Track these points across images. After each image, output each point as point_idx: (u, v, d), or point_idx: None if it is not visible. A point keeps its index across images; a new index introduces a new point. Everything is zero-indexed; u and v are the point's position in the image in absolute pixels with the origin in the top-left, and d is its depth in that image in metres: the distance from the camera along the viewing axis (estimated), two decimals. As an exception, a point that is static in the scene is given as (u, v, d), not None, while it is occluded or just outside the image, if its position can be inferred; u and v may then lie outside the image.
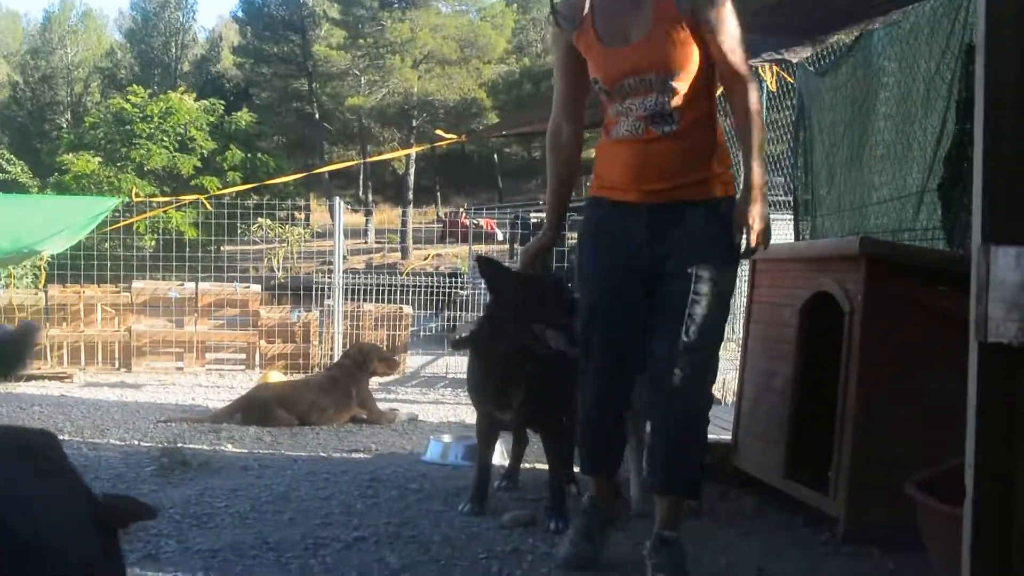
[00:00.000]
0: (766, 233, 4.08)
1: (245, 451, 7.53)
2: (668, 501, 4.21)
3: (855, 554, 4.60)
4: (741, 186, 4.19)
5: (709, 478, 4.15)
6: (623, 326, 4.26)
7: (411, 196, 49.97)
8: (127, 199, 16.43)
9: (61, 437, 5.74)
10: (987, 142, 1.54)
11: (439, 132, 17.47)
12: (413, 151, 41.54)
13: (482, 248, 26.90)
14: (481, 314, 9.16)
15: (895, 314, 4.66)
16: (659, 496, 4.27)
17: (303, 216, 31.70)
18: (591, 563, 4.37)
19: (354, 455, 7.51)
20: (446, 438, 7.39)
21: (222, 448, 7.60)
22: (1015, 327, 1.46)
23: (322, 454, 7.54)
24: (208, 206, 15.20)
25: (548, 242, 4.67)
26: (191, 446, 7.43)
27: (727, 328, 4.62)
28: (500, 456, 6.50)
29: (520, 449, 6.14)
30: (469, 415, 9.65)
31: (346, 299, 14.44)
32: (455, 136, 19.24)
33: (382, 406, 9.57)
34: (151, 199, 21.72)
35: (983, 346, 1.54)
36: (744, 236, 4.09)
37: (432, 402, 11.01)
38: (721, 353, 4.31)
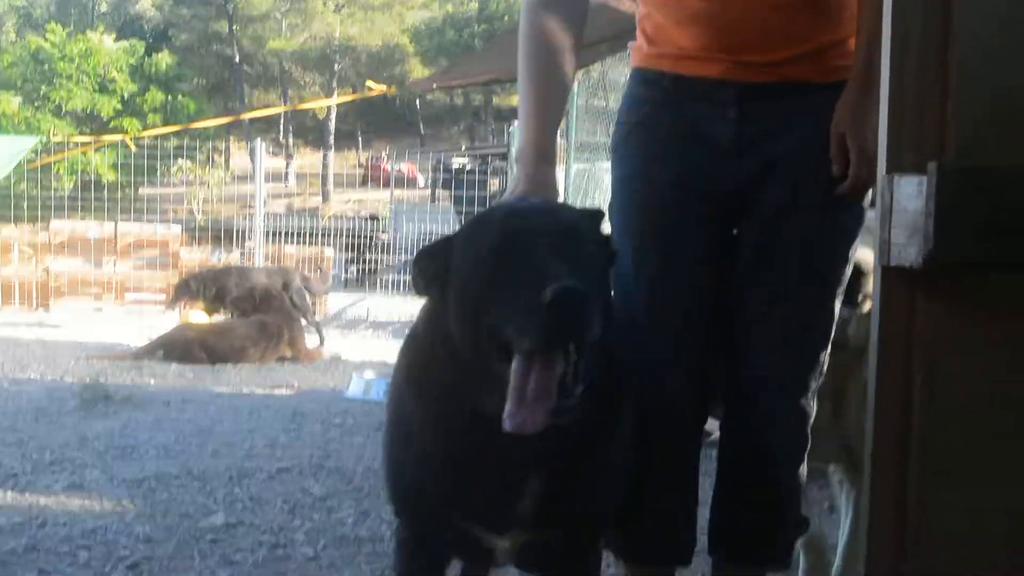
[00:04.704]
0: (871, 165, 2.18)
1: (167, 386, 7.55)
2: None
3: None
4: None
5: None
6: (686, 287, 2.51)
7: (332, 140, 49.51)
8: (45, 139, 16.23)
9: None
10: (891, 76, 1.65)
11: (369, 84, 17.39)
12: (335, 101, 41.10)
13: (403, 193, 26.76)
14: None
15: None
16: (723, 563, 2.71)
17: (223, 159, 31.34)
18: None
19: (276, 391, 7.57)
20: (368, 374, 7.47)
21: (144, 383, 7.61)
22: (915, 251, 1.57)
23: (244, 390, 7.58)
24: (131, 145, 15.05)
25: None
26: (113, 381, 7.43)
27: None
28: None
29: None
30: (390, 354, 9.71)
31: (267, 241, 14.39)
32: (385, 87, 19.15)
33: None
34: (70, 138, 21.42)
35: (886, 269, 1.65)
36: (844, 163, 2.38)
37: (353, 344, 11.04)
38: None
